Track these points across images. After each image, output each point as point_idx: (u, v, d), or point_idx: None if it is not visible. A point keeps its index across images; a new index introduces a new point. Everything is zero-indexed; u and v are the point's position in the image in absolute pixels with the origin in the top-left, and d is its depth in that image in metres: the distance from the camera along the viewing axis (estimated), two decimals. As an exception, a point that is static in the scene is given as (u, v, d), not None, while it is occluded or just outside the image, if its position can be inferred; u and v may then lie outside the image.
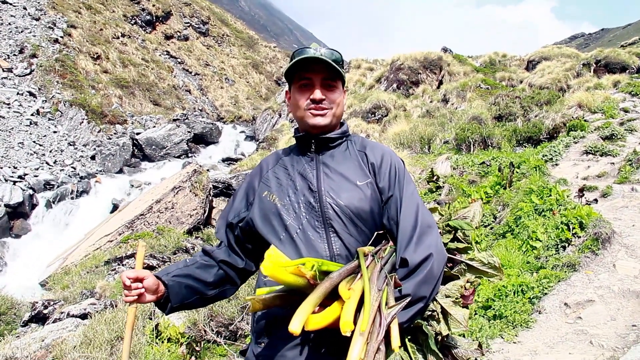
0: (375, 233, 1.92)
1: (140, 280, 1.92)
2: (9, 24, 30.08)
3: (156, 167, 25.68)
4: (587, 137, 11.23)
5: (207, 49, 47.55)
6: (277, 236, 1.93)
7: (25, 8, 32.04)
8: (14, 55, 28.28)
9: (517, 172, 9.25)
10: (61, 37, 31.48)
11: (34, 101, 25.77)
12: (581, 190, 7.46)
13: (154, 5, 44.00)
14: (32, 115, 24.61)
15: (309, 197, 1.95)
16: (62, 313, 7.38)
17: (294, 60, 1.99)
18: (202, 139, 30.01)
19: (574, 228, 6.34)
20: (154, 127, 28.97)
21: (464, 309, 1.77)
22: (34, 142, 22.93)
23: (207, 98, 40.76)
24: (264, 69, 51.45)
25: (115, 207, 19.71)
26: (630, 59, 21.45)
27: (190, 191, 14.87)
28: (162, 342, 5.35)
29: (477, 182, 9.99)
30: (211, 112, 38.68)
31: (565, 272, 5.65)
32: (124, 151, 25.51)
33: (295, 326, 1.48)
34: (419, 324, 1.70)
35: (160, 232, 12.92)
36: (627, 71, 20.54)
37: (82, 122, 26.18)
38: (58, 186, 20.82)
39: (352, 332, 1.51)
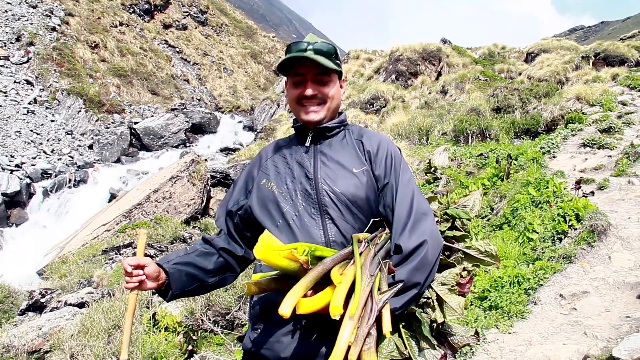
0: (372, 220, 1.93)
1: (142, 267, 1.94)
2: (6, 11, 29.91)
3: (154, 156, 25.66)
4: (585, 130, 11.24)
5: (206, 38, 47.37)
6: (274, 223, 1.95)
7: (22, -5, 31.93)
8: (11, 43, 28.15)
9: (514, 164, 9.26)
10: (59, 25, 31.34)
11: (31, 90, 25.69)
12: (578, 183, 7.48)
13: (152, -6, 43.81)
14: (29, 103, 24.54)
15: (305, 185, 1.97)
16: (59, 302, 7.39)
17: (283, 58, 2.00)
18: (200, 129, 29.98)
19: (570, 220, 6.36)
20: (152, 116, 28.92)
21: (460, 297, 1.78)
22: (31, 130, 22.88)
23: (206, 88, 40.67)
24: (263, 59, 51.29)
25: (112, 197, 19.71)
26: (629, 52, 21.42)
27: (188, 181, 14.88)
28: (160, 331, 5.37)
29: (475, 174, 10.00)
30: (209, 102, 38.60)
31: (561, 263, 5.67)
32: (122, 140, 25.47)
33: (285, 309, 1.49)
34: (413, 310, 1.71)
35: (158, 221, 12.93)
36: (626, 64, 20.52)
37: (80, 111, 26.11)
38: (55, 175, 20.81)
39: (343, 316, 1.52)
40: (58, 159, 22.20)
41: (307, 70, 2.01)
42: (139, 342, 4.83)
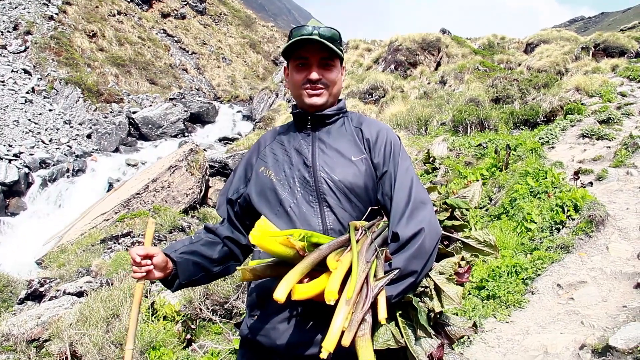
0: (370, 208, 1.93)
1: (150, 257, 1.95)
2: None
3: (152, 146, 25.63)
4: (584, 121, 11.23)
5: (204, 27, 47.20)
6: (273, 210, 1.95)
7: (19, -16, 31.73)
8: (8, 31, 28.02)
9: (513, 155, 9.25)
10: (56, 14, 31.19)
11: (29, 79, 25.60)
12: (576, 173, 7.49)
13: (150, -17, 43.57)
14: (27, 93, 24.46)
15: (303, 172, 1.96)
16: (58, 291, 7.41)
17: (290, 41, 1.98)
18: (199, 119, 29.93)
19: (568, 210, 6.37)
20: (151, 106, 28.86)
21: (458, 286, 1.78)
22: (30, 120, 22.82)
23: (204, 77, 40.56)
24: (262, 48, 51.14)
25: (111, 186, 19.71)
26: (629, 43, 21.38)
27: (187, 170, 14.87)
28: (158, 320, 5.39)
29: (474, 164, 10.00)
30: (208, 91, 38.52)
31: (559, 253, 5.69)
32: (120, 130, 25.43)
33: (279, 294, 1.49)
34: (410, 298, 1.71)
35: (156, 211, 12.93)
36: (625, 55, 20.48)
37: (78, 100, 26.05)
38: (54, 165, 20.79)
39: (338, 302, 1.52)
40: (56, 149, 22.16)
41: (312, 54, 1.99)
42: (138, 331, 4.85)
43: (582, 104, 12.70)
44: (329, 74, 2.03)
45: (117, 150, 24.69)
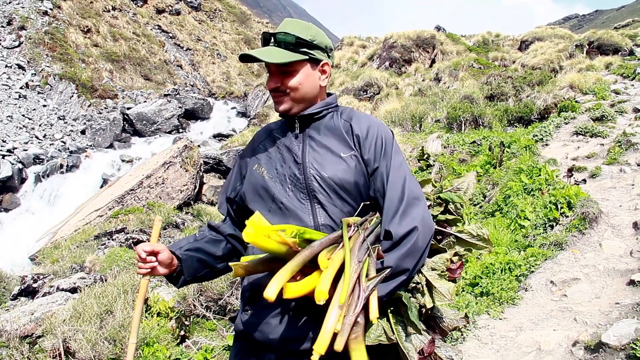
0: (362, 204, 1.92)
1: (155, 254, 1.97)
2: (-4, -6, 29.59)
3: (147, 142, 25.53)
4: (577, 118, 11.27)
5: (199, 24, 47.03)
6: (266, 208, 1.95)
7: (13, -21, 31.52)
8: (2, 27, 27.86)
9: (507, 152, 9.28)
10: (50, 9, 31.01)
11: (23, 74, 25.47)
12: (570, 171, 7.51)
13: (145, -22, 43.37)
14: (21, 88, 24.34)
15: (294, 170, 1.96)
16: (51, 287, 7.38)
17: (241, 54, 2.00)
18: (193, 115, 29.83)
19: (562, 207, 6.39)
20: (145, 102, 28.75)
21: (450, 282, 1.78)
22: (23, 115, 22.72)
23: (199, 73, 40.44)
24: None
25: (105, 182, 19.65)
26: (623, 41, 21.45)
27: (181, 167, 14.84)
28: (152, 316, 5.38)
29: (468, 161, 10.02)
30: (202, 87, 38.40)
31: (553, 250, 5.71)
32: (115, 126, 25.33)
33: (270, 292, 1.48)
34: (400, 295, 1.70)
35: (151, 207, 12.91)
36: (619, 53, 20.56)
37: (72, 96, 25.93)
38: (48, 160, 20.69)
39: (329, 301, 1.51)
40: (50, 144, 22.06)
41: (270, 64, 1.99)
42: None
43: (576, 101, 12.75)
44: (287, 80, 2.00)
45: (111, 146, 24.59)
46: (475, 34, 32.35)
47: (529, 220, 6.54)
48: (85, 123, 24.98)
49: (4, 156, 19.43)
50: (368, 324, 1.63)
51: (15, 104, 23.02)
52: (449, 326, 1.81)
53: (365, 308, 1.57)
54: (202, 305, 5.69)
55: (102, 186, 19.39)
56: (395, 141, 2.04)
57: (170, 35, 41.84)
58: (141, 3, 42.54)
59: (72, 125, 24.51)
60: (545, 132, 10.65)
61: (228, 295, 5.66)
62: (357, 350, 1.48)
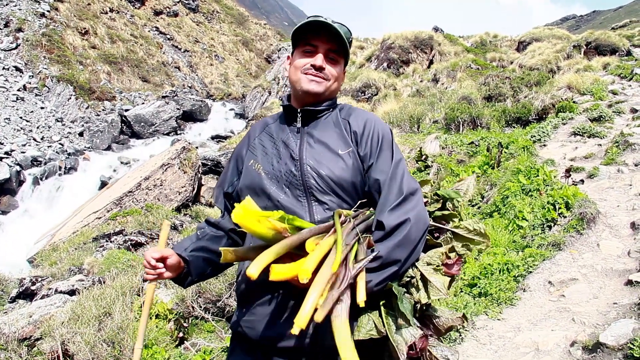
0: (359, 202, 1.92)
1: (164, 259, 1.97)
2: (-7, -4, 29.54)
3: (145, 144, 25.52)
4: (575, 119, 11.28)
5: (197, 25, 47.01)
6: (261, 204, 1.93)
7: (10, -19, 31.47)
8: (-1, 29, 27.84)
9: (505, 152, 9.29)
10: (48, 11, 30.96)
11: (21, 76, 25.43)
12: (568, 171, 7.52)
13: (142, -20, 43.34)
14: (18, 90, 24.30)
15: (290, 166, 1.96)
16: (49, 289, 7.37)
17: (304, 21, 1.99)
18: (191, 116, 29.82)
19: (560, 208, 6.40)
20: (143, 103, 28.74)
21: (445, 277, 1.77)
22: (21, 118, 22.68)
23: (197, 75, 40.42)
24: (254, 46, 50.98)
25: (103, 184, 19.62)
26: (620, 42, 21.47)
27: (179, 168, 14.83)
28: (150, 318, 5.37)
29: (466, 162, 10.03)
30: (200, 89, 38.38)
31: (550, 251, 5.72)
32: (113, 128, 25.31)
33: (252, 270, 1.48)
34: (391, 286, 1.69)
35: (149, 209, 12.89)
36: (617, 54, 20.58)
37: (70, 98, 25.90)
38: (46, 163, 20.66)
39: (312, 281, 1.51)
40: (48, 147, 22.02)
41: (322, 43, 2.00)
42: (130, 329, 4.84)
43: (574, 102, 12.76)
44: (333, 67, 2.03)
45: (109, 148, 24.56)
46: (473, 35, 32.41)
47: (527, 220, 6.55)
48: (83, 125, 24.95)
49: (1, 158, 19.40)
50: (358, 313, 1.62)
51: (13, 106, 22.98)
52: (444, 325, 1.81)
53: (353, 291, 1.56)
54: (200, 306, 5.68)
55: (100, 188, 19.36)
56: (392, 137, 2.04)
57: (168, 36, 41.82)
58: (139, 5, 42.51)
59: (70, 128, 24.48)
60: (543, 132, 10.66)
61: (227, 296, 5.66)
62: (340, 328, 1.46)
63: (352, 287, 1.57)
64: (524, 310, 4.83)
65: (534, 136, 10.55)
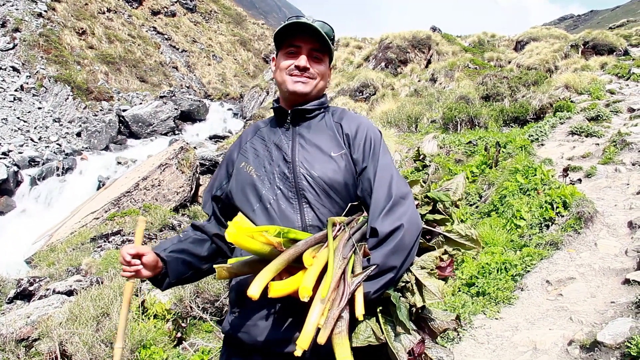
0: (349, 204, 1.92)
1: (140, 256, 1.95)
2: (-10, -3, 29.49)
3: (142, 144, 25.52)
4: (573, 118, 11.29)
5: (195, 25, 47.01)
6: (252, 207, 1.93)
7: (7, -20, 31.42)
8: (-4, 29, 27.80)
9: (503, 152, 9.30)
10: (45, 11, 30.94)
11: (18, 76, 25.40)
12: (566, 170, 7.53)
13: (140, -20, 43.31)
14: (15, 90, 24.28)
15: (283, 168, 1.95)
16: (47, 290, 7.37)
17: (284, 24, 1.99)
18: (189, 116, 29.82)
19: (557, 207, 6.41)
20: (141, 104, 28.75)
21: (440, 280, 1.77)
22: (18, 118, 22.66)
23: (195, 75, 40.41)
24: (252, 46, 51.00)
25: (101, 184, 19.60)
26: (617, 41, 21.50)
27: (177, 168, 14.81)
28: (149, 318, 5.37)
29: (464, 162, 10.04)
30: (198, 89, 38.39)
31: (548, 250, 5.72)
32: (110, 128, 25.30)
33: (253, 290, 1.47)
34: (389, 294, 1.69)
35: (147, 209, 12.88)
36: (614, 53, 20.61)
37: (68, 98, 25.88)
38: (43, 163, 20.65)
39: (313, 298, 1.51)
40: (46, 147, 22.02)
41: (305, 44, 2.00)
42: (128, 330, 4.83)
43: (572, 101, 12.77)
44: (317, 66, 2.03)
45: (107, 148, 24.56)
46: (471, 35, 32.42)
47: (524, 220, 6.55)
48: (80, 125, 24.93)
49: (-1, 159, 19.39)
50: (355, 323, 1.62)
51: (10, 107, 22.96)
52: (439, 327, 1.81)
53: (351, 305, 1.57)
54: (198, 307, 5.68)
55: (98, 188, 19.34)
56: (383, 141, 2.04)
57: (166, 37, 41.82)
58: (136, 5, 42.51)
59: (67, 128, 24.47)
60: (541, 132, 10.67)
61: (225, 297, 5.66)
62: (341, 345, 1.47)
63: (350, 300, 1.57)
64: (522, 309, 4.84)
65: (532, 135, 10.55)
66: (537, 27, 30.69)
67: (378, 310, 1.71)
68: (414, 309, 1.74)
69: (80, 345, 4.59)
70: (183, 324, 5.46)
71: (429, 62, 25.51)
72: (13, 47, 27.08)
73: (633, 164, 7.85)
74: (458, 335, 4.47)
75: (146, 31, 39.97)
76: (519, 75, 16.79)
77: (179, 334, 5.26)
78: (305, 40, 2.00)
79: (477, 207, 7.94)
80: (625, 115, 11.08)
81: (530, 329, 4.41)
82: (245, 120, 28.67)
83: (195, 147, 19.61)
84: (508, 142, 9.86)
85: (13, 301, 7.89)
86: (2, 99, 23.01)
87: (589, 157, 8.85)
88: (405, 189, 1.89)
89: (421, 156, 10.26)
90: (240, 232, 1.60)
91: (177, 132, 27.77)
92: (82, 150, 23.24)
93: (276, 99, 2.15)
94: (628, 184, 7.16)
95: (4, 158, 19.65)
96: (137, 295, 5.82)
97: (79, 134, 24.52)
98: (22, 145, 21.12)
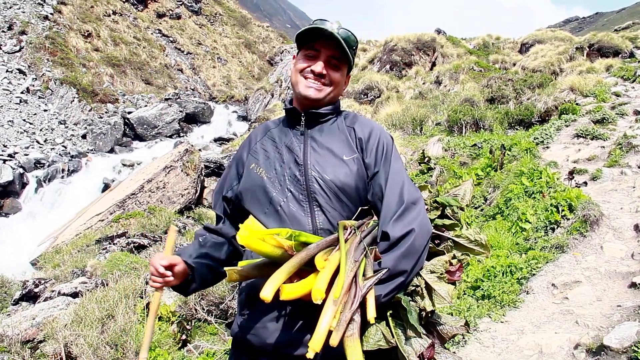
0: (360, 208, 1.92)
1: (172, 266, 1.95)
2: (-3, -1, 29.60)
3: (147, 146, 25.55)
4: (578, 121, 11.26)
5: (200, 27, 47.08)
6: (262, 209, 1.93)
7: (14, -16, 31.53)
8: (3, 31, 27.86)
9: (508, 155, 9.28)
10: (51, 14, 31.03)
11: (24, 79, 25.48)
12: (571, 173, 7.51)
13: (145, -17, 43.43)
14: (22, 93, 24.35)
15: (294, 171, 1.94)
16: (53, 292, 7.38)
17: (307, 27, 1.99)
18: (194, 119, 29.85)
19: (563, 210, 6.39)
20: (146, 106, 28.77)
21: (449, 284, 1.77)
22: (24, 120, 22.73)
23: (199, 77, 40.48)
24: (257, 48, 51.04)
25: (106, 187, 19.64)
26: (623, 44, 21.43)
27: (182, 171, 14.83)
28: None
29: (469, 164, 10.02)
30: (203, 91, 38.43)
31: (554, 253, 5.70)
32: (115, 130, 25.35)
33: (266, 293, 1.48)
34: (399, 298, 1.70)
35: (152, 211, 12.90)
36: (619, 55, 20.53)
37: (73, 100, 25.94)
38: (49, 165, 20.69)
39: (325, 301, 1.51)
40: (51, 149, 22.06)
41: (325, 49, 2.00)
42: (133, 332, 4.84)
43: (577, 104, 12.74)
44: (334, 73, 2.03)
45: (112, 150, 24.60)
46: (476, 37, 32.39)
47: (530, 223, 6.54)
48: (86, 127, 24.99)
49: (5, 161, 19.44)
50: (366, 326, 1.62)
51: (16, 109, 23.03)
52: (448, 333, 1.81)
53: (363, 308, 1.57)
54: (203, 309, 5.68)
55: (103, 190, 19.38)
56: (395, 147, 2.04)
57: (171, 39, 41.90)
58: (142, 7, 42.62)
59: (73, 130, 24.52)
60: (546, 134, 10.64)
61: (230, 299, 5.66)
62: (352, 347, 1.48)
63: (362, 303, 1.57)
64: (527, 312, 4.82)
65: (537, 138, 10.53)
66: (541, 29, 30.65)
67: (388, 314, 1.71)
68: (423, 313, 1.74)
69: (85, 347, 4.59)
70: (188, 326, 5.46)
71: (433, 64, 25.48)
72: (19, 50, 27.17)
73: (639, 167, 7.82)
74: (463, 338, 4.45)
75: (151, 34, 40.06)
76: (524, 77, 16.75)
77: (183, 337, 5.26)
78: (325, 45, 1.99)
79: (482, 210, 7.93)
80: (631, 118, 11.04)
81: (535, 332, 4.40)
82: (250, 122, 28.68)
83: (200, 150, 19.63)
84: (513, 144, 9.84)
85: (18, 303, 7.91)
86: (8, 101, 23.08)
87: (594, 160, 8.82)
88: (416, 195, 1.89)
89: (426, 159, 10.25)
90: (252, 234, 1.60)
91: (182, 134, 27.80)
92: (88, 153, 23.28)
93: (289, 100, 2.14)
94: (634, 187, 7.14)
95: (10, 160, 19.70)
96: (142, 298, 5.83)
97: (84, 136, 24.58)
98: (27, 147, 21.17)
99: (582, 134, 10.19)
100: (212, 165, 17.69)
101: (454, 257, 1.86)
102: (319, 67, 1.99)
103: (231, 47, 47.99)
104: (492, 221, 7.17)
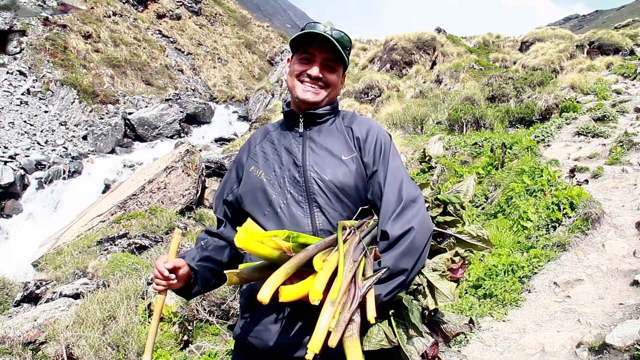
0: (360, 208, 1.91)
1: (176, 270, 1.95)
2: (-2, 1, 29.61)
3: (148, 147, 25.57)
4: (579, 119, 11.25)
5: (200, 28, 47.08)
6: (262, 211, 1.93)
7: (14, -15, 31.53)
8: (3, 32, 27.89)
9: (509, 153, 9.27)
10: (51, 15, 31.04)
11: (24, 80, 25.49)
12: (572, 171, 7.49)
13: (145, -16, 43.43)
14: (22, 94, 24.36)
15: (293, 172, 1.94)
16: (54, 293, 7.38)
17: (300, 32, 1.98)
18: (195, 119, 29.87)
19: (564, 208, 6.38)
20: (146, 107, 28.78)
21: (452, 282, 1.76)
22: (25, 122, 22.74)
23: (200, 78, 40.48)
24: (257, 48, 51.02)
25: (107, 188, 19.66)
26: (623, 41, 21.43)
27: (183, 171, 14.84)
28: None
29: (469, 163, 10.01)
30: (204, 92, 38.43)
31: (555, 251, 5.69)
32: (116, 131, 25.37)
33: (263, 294, 1.48)
34: (400, 297, 1.69)
35: (153, 212, 12.91)
36: (620, 53, 20.54)
37: (74, 101, 25.95)
38: (50, 166, 20.70)
39: (323, 302, 1.50)
40: (52, 150, 22.07)
41: (319, 52, 1.99)
42: (134, 333, 4.84)
43: (577, 101, 12.73)
44: (329, 75, 2.03)
45: (113, 151, 24.62)
46: (476, 36, 32.42)
47: (531, 221, 6.53)
48: (86, 128, 25.00)
49: (6, 162, 19.44)
50: (367, 326, 1.61)
51: (17, 110, 23.04)
52: (452, 331, 1.80)
53: (363, 308, 1.56)
54: (205, 309, 5.68)
55: (104, 191, 19.40)
56: (393, 145, 2.04)
57: (171, 40, 41.91)
58: (142, 8, 42.63)
59: (73, 131, 24.54)
60: (547, 132, 10.63)
61: (231, 299, 5.65)
62: (352, 348, 1.47)
63: (362, 303, 1.57)
64: (529, 311, 4.81)
65: (538, 136, 10.52)
66: (542, 27, 30.64)
67: (390, 313, 1.71)
68: (426, 312, 1.73)
69: (87, 349, 4.59)
70: (189, 327, 5.46)
71: (434, 63, 25.48)
72: (20, 52, 27.19)
73: (640, 165, 7.81)
74: (465, 337, 4.44)
75: (151, 34, 40.07)
76: (525, 75, 16.75)
77: (185, 337, 5.25)
78: (320, 48, 1.99)
79: (483, 208, 7.92)
80: (632, 115, 11.03)
81: (538, 331, 4.39)
82: (250, 122, 28.70)
83: (201, 150, 19.65)
84: (514, 143, 9.83)
85: (20, 304, 7.91)
86: (9, 103, 23.10)
87: (595, 158, 8.81)
88: (416, 192, 1.89)
89: (427, 158, 10.24)
90: (250, 237, 1.60)
91: (182, 134, 27.82)
92: (89, 154, 23.29)
93: (287, 102, 2.14)
94: (635, 185, 7.13)
95: (11, 161, 19.71)
96: (143, 299, 5.82)
97: (85, 137, 24.59)
98: (28, 149, 21.18)
99: (583, 131, 10.18)
100: (213, 166, 17.69)
101: (456, 254, 1.85)
102: (315, 70, 1.99)
103: (231, 48, 47.98)
104: (493, 220, 7.16)
